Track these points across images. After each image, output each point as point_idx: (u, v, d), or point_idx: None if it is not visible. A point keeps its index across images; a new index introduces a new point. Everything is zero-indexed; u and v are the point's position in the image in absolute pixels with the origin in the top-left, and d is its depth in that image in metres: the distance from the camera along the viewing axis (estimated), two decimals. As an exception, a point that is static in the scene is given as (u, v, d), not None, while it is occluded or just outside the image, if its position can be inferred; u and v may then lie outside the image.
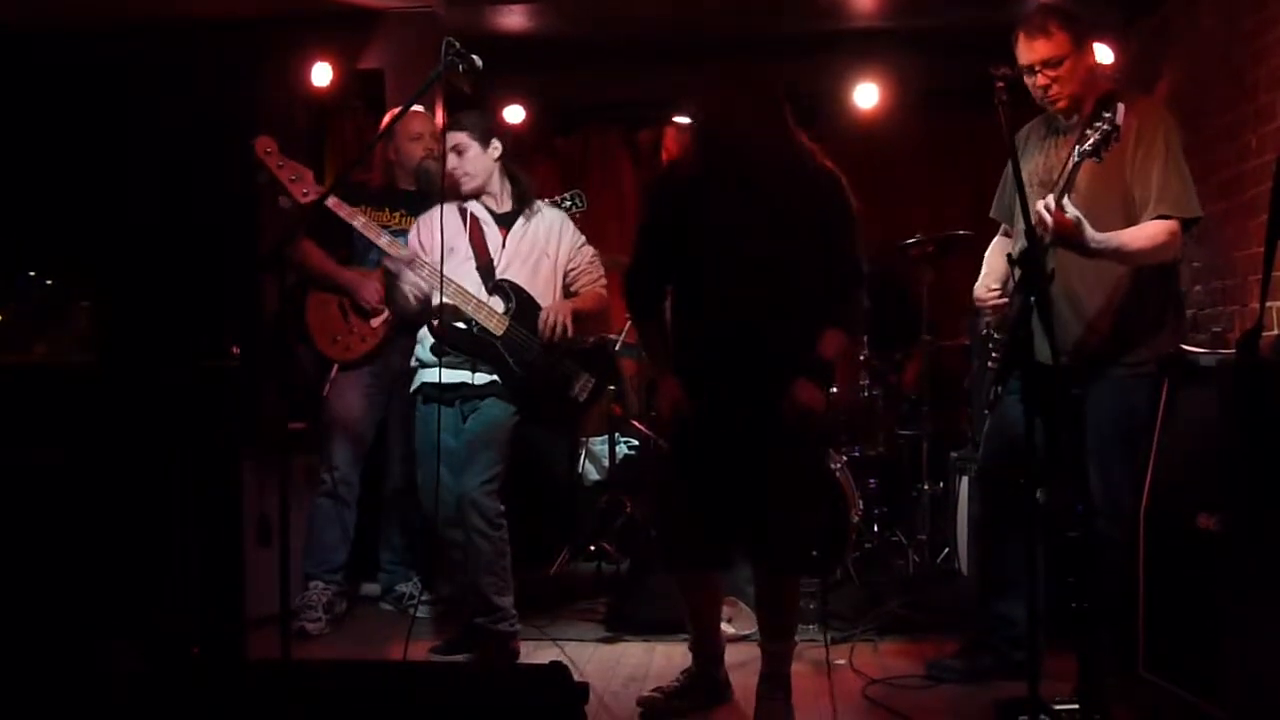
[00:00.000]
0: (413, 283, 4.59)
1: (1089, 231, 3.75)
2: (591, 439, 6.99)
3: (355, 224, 4.66)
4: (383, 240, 4.62)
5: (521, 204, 4.79)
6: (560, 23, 6.72)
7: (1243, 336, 3.37)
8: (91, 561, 3.88)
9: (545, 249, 4.78)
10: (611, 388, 6.37)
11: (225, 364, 4.93)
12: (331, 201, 4.48)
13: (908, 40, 6.85)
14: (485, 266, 4.66)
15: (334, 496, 5.23)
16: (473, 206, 4.75)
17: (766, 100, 3.91)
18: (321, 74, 6.44)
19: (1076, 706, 3.53)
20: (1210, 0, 5.41)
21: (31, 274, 6.42)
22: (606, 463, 6.61)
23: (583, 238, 4.94)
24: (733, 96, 3.91)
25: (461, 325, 4.58)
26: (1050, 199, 3.74)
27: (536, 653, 4.76)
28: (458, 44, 3.97)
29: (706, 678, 4.21)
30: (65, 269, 6.39)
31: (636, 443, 6.62)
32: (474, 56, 3.99)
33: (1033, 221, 3.74)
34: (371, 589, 5.76)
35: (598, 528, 6.30)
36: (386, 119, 5.36)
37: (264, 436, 4.90)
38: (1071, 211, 3.71)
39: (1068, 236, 3.74)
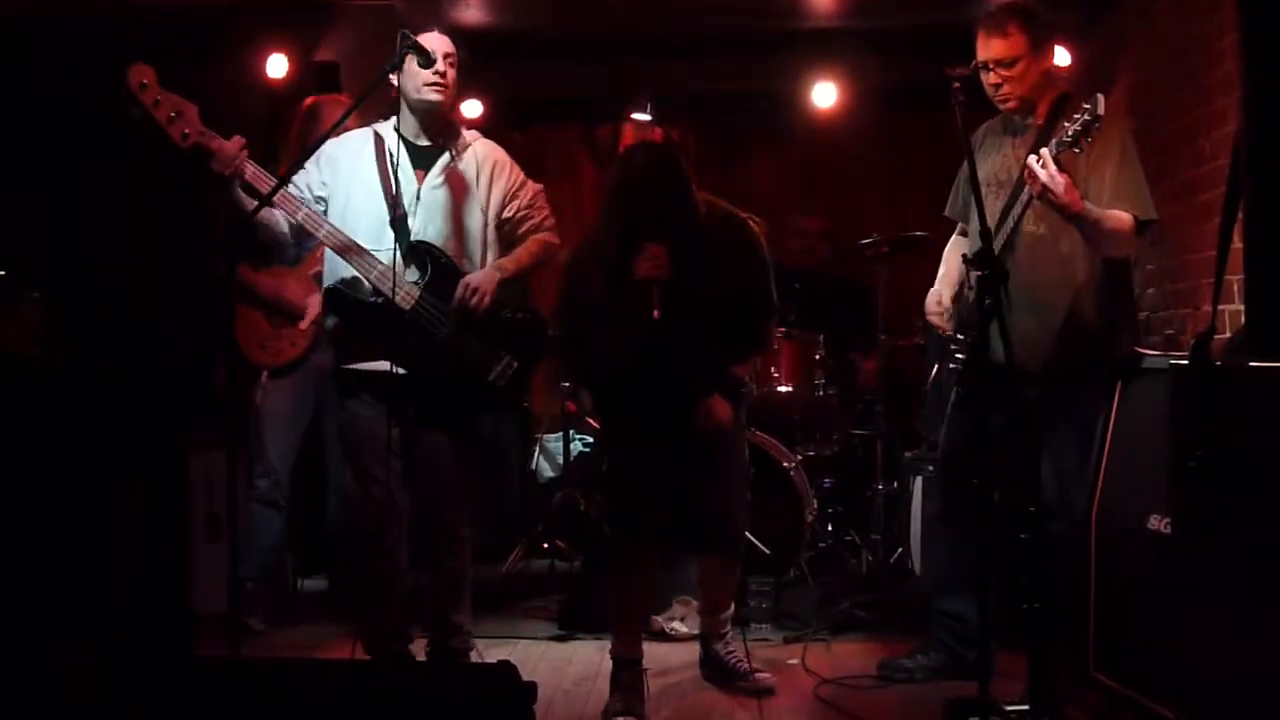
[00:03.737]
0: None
1: (1077, 192, 3.78)
2: (546, 435, 6.96)
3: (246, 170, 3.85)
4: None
5: (446, 139, 4.18)
6: (518, 17, 6.69)
7: (1195, 339, 3.38)
8: (35, 557, 3.82)
9: (475, 194, 4.17)
10: (565, 384, 6.35)
11: (174, 358, 4.87)
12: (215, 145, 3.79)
13: (865, 40, 6.85)
14: (399, 219, 4.05)
15: (268, 502, 5.17)
16: (389, 137, 4.12)
17: (672, 168, 4.07)
18: (276, 65, 6.38)
19: (1027, 707, 3.53)
20: (1165, 5, 5.44)
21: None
22: (561, 459, 6.58)
23: (519, 175, 4.32)
24: (644, 167, 4.06)
25: (363, 295, 4.05)
26: (1046, 151, 3.75)
27: (488, 651, 4.71)
28: (412, 36, 3.92)
29: (635, 682, 4.16)
30: (17, 259, 6.30)
31: (591, 440, 6.59)
32: (426, 49, 3.95)
33: (1024, 175, 3.77)
34: (318, 584, 5.74)
35: (551, 525, 6.27)
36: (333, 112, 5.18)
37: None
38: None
39: (1065, 191, 3.74)
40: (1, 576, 3.77)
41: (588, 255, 4.22)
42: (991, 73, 4.05)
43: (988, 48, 4.05)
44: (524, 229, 4.29)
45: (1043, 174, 3.73)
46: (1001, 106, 4.16)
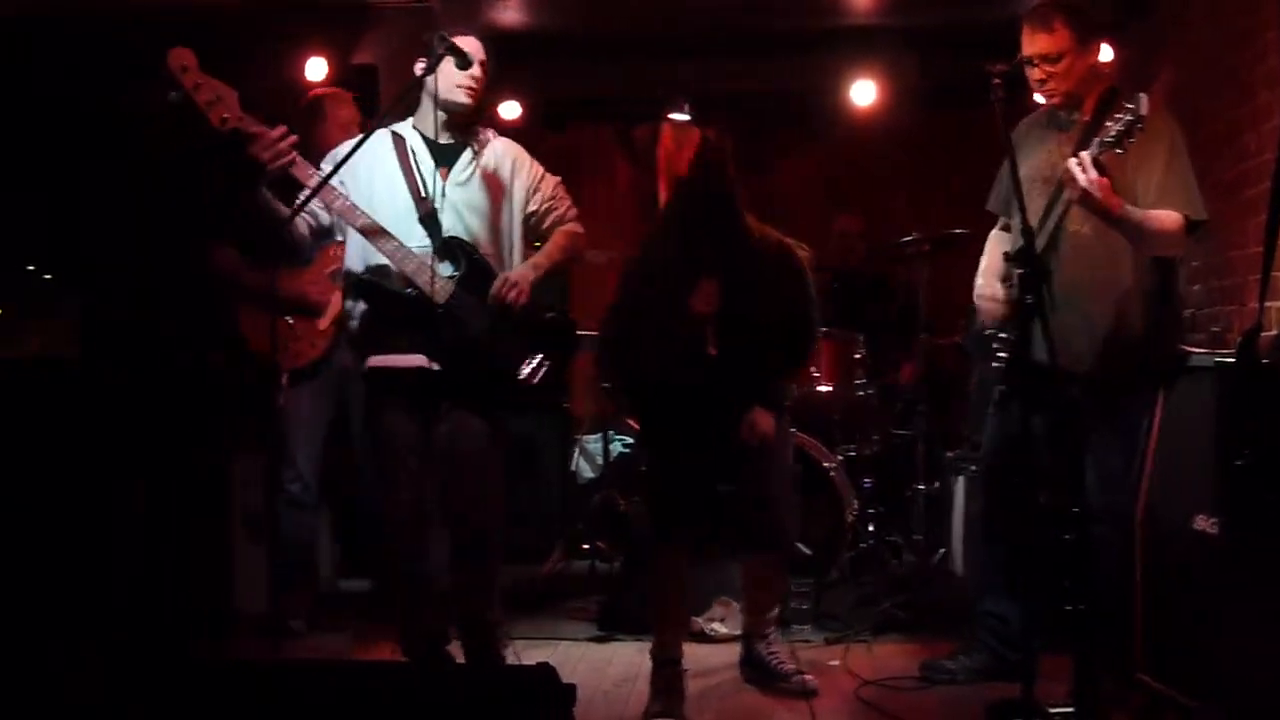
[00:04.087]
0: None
1: (1117, 196, 3.74)
2: (585, 436, 6.96)
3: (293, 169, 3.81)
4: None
5: (467, 136, 4.12)
6: (555, 18, 6.70)
7: (1241, 337, 3.34)
8: (76, 557, 3.84)
9: (498, 190, 4.11)
10: (605, 385, 6.35)
11: (216, 361, 4.88)
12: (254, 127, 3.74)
13: (904, 37, 6.83)
14: (428, 215, 3.99)
15: (298, 504, 5.16)
16: (409, 135, 4.09)
17: (724, 196, 4.17)
18: (315, 68, 6.40)
19: (1071, 709, 3.49)
20: (1203, 3, 5.39)
21: (30, 268, 6.39)
22: (600, 460, 6.58)
23: (540, 169, 4.25)
24: (696, 194, 4.19)
25: (397, 287, 3.98)
26: (1086, 155, 3.71)
27: (528, 652, 4.71)
28: (448, 38, 3.92)
29: (674, 682, 4.15)
30: (63, 263, 6.35)
31: (631, 440, 6.58)
32: (464, 51, 3.94)
33: (1063, 178, 3.74)
34: (359, 585, 5.76)
35: (591, 526, 6.26)
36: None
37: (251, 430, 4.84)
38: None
39: (1103, 196, 3.70)
40: (38, 578, 3.79)
41: (643, 282, 4.29)
42: (1036, 68, 4.02)
43: (1033, 42, 4.02)
44: (549, 222, 4.23)
45: (1082, 178, 3.69)
46: (1047, 101, 4.12)
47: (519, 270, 4.08)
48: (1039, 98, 4.16)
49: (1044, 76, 4.03)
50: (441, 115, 4.07)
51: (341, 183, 3.95)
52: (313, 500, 5.17)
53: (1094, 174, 3.68)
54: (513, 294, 3.99)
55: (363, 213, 3.93)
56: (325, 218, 4.00)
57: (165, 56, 3.68)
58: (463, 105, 4.03)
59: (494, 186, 4.12)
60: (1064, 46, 3.99)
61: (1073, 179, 3.71)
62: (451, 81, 3.99)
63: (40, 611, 3.79)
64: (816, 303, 4.36)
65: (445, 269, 3.99)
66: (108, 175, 6.16)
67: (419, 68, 3.91)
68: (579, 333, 4.32)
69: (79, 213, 6.30)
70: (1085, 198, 3.72)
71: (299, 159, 3.80)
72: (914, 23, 6.69)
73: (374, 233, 3.93)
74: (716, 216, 4.16)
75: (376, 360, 4.07)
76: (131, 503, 3.96)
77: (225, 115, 3.69)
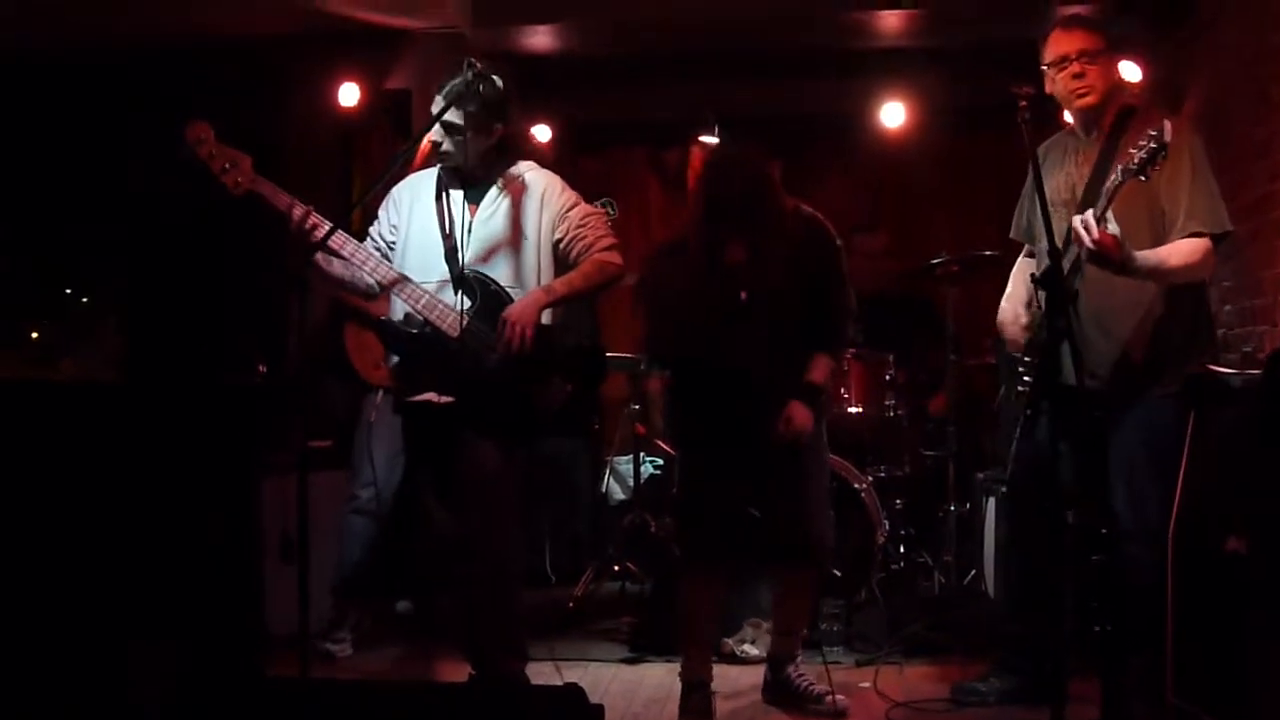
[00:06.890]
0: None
1: (1129, 250, 3.72)
2: (617, 458, 6.98)
3: (279, 203, 4.02)
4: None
5: (496, 170, 4.22)
6: (586, 42, 6.73)
7: (1270, 356, 3.33)
8: (111, 580, 3.88)
9: (523, 224, 4.16)
10: (636, 406, 6.37)
11: (248, 381, 4.92)
12: (268, 189, 4.01)
13: (934, 59, 6.83)
14: (451, 250, 4.11)
15: (368, 514, 5.22)
16: (448, 172, 4.25)
17: (758, 174, 4.19)
18: (349, 94, 6.47)
19: (1101, 732, 3.48)
20: (1237, 16, 5.37)
21: (69, 291, 6.46)
22: (631, 482, 6.59)
23: (570, 199, 4.25)
24: (729, 174, 4.21)
25: (410, 326, 4.12)
26: (1090, 214, 3.69)
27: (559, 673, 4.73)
28: (478, 63, 3.97)
29: (704, 705, 4.16)
30: (100, 286, 6.42)
31: (661, 462, 6.59)
32: (494, 76, 3.99)
33: (1072, 237, 3.72)
34: (405, 606, 5.79)
35: (622, 547, 6.27)
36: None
37: (287, 452, 4.88)
38: (1114, 228, 3.67)
39: (1108, 254, 3.69)
40: (73, 598, 3.82)
41: (676, 246, 4.32)
42: (1074, 63, 4.01)
43: (1070, 40, 4.03)
44: (576, 250, 4.19)
45: (1087, 239, 3.66)
46: (1079, 103, 4.07)
47: (522, 303, 4.06)
48: (1067, 116, 4.17)
49: (1082, 71, 4.01)
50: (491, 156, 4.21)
51: (395, 228, 4.23)
52: (380, 512, 5.22)
53: (1097, 234, 3.66)
54: (515, 334, 4.01)
55: (369, 256, 4.11)
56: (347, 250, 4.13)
57: (183, 130, 3.95)
58: (450, 165, 4.18)
59: (518, 220, 4.17)
60: (1099, 45, 4.03)
61: (1079, 239, 3.70)
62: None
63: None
64: (849, 282, 4.30)
65: (464, 303, 4.05)
66: (160, 204, 6.25)
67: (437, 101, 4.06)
68: (608, 355, 4.36)
69: (126, 237, 6.39)
70: (1093, 256, 3.71)
71: (301, 209, 3.99)
72: (946, 45, 6.70)
73: (385, 280, 4.11)
74: (743, 183, 4.15)
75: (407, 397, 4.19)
76: (201, 523, 4.01)
77: (239, 179, 3.95)
